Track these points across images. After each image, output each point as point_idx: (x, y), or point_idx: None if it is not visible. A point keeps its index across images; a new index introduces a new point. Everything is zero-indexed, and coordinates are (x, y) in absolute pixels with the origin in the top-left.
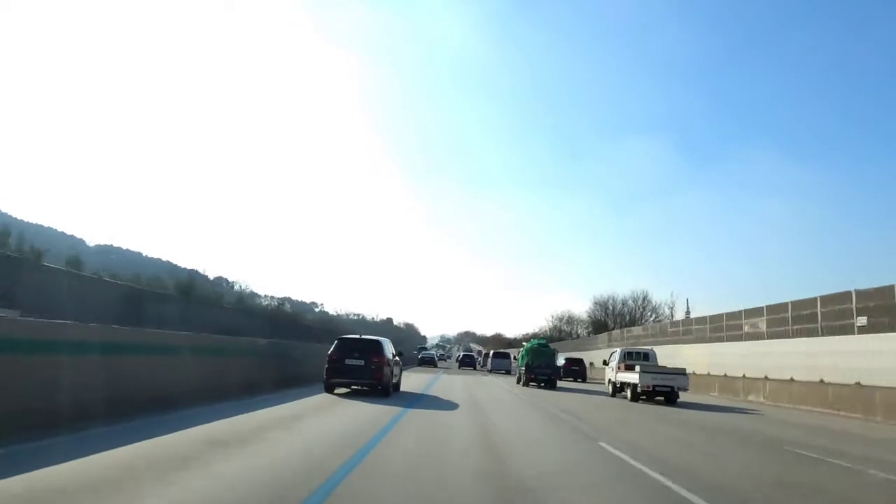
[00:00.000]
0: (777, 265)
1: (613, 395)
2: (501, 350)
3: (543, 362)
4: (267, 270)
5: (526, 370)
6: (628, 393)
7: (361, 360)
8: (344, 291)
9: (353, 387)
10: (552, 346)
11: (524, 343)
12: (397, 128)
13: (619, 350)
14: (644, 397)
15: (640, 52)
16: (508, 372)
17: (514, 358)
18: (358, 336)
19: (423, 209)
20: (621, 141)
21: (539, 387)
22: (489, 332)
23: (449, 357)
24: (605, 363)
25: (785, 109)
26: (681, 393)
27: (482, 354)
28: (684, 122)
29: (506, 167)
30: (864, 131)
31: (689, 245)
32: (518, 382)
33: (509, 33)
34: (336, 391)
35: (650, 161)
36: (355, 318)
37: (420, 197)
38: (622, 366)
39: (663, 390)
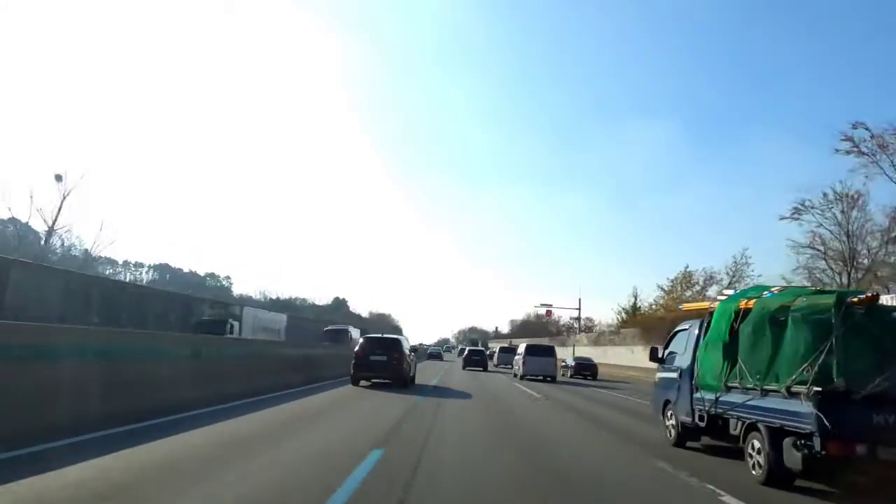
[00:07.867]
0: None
1: None
2: (539, 344)
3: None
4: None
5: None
6: None
7: (384, 356)
8: (299, 275)
9: (373, 380)
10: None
11: (712, 304)
12: (374, 104)
13: None
14: None
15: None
16: (552, 378)
17: (674, 360)
18: (381, 335)
19: (402, 189)
20: (624, 125)
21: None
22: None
23: (452, 349)
24: None
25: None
26: None
27: (504, 350)
28: (696, 102)
29: (494, 154)
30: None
31: (691, 241)
32: (673, 432)
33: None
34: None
35: (655, 149)
36: (302, 301)
37: (395, 173)
38: None
39: None
